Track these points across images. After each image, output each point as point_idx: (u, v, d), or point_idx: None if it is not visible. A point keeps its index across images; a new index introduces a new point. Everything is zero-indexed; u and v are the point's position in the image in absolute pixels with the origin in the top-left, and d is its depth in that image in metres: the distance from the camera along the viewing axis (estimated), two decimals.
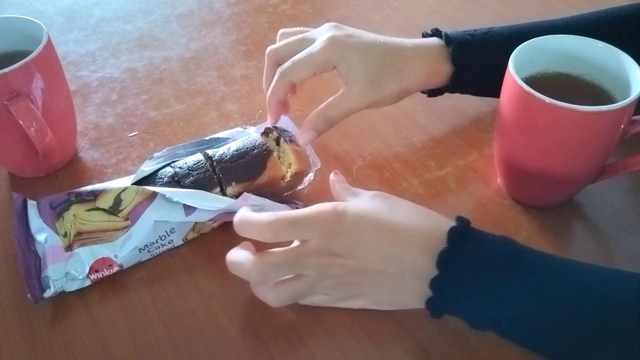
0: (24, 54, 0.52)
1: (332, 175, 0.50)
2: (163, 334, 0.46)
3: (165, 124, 0.65)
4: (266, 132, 0.55)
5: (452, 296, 0.42)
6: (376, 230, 0.43)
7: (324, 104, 0.53)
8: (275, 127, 0.56)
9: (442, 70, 0.56)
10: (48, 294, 0.46)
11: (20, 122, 0.51)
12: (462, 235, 0.42)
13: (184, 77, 0.71)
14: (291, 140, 0.54)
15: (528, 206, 0.54)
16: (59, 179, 0.59)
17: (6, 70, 0.51)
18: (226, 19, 0.82)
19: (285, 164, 0.53)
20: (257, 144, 0.54)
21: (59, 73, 0.57)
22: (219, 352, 0.45)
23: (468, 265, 0.41)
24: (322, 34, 0.54)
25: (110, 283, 0.49)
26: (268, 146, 0.53)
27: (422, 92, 0.60)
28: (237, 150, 0.53)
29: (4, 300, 0.48)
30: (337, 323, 0.46)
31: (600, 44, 0.50)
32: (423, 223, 0.44)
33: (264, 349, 0.45)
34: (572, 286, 0.40)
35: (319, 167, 0.55)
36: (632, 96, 0.45)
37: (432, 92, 0.60)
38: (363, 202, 0.45)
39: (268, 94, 0.55)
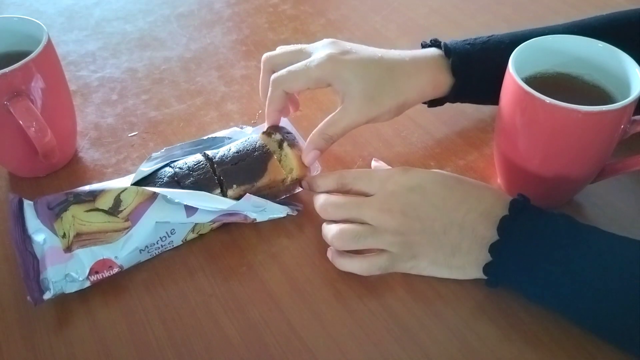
0: (24, 54, 0.52)
1: (373, 162, 0.54)
2: (163, 334, 0.46)
3: (166, 124, 0.65)
4: (268, 133, 0.55)
5: (511, 263, 0.44)
6: (440, 193, 0.47)
7: (323, 122, 0.53)
8: (278, 128, 0.56)
9: (442, 82, 0.56)
10: (47, 296, 0.46)
11: (20, 122, 0.51)
12: (523, 206, 0.45)
13: (184, 77, 0.72)
14: (294, 145, 0.54)
15: None
16: (59, 179, 0.59)
17: (6, 70, 0.51)
18: (226, 19, 0.82)
19: (286, 169, 0.53)
20: (257, 145, 0.53)
21: (59, 73, 0.58)
22: (219, 352, 0.45)
23: (528, 233, 0.43)
24: (320, 49, 0.54)
25: (110, 283, 0.49)
26: (268, 148, 0.53)
27: (423, 102, 0.59)
28: (237, 152, 0.53)
29: (4, 301, 0.48)
30: (337, 323, 0.46)
31: (600, 44, 0.50)
32: (486, 193, 0.47)
33: (264, 349, 0.45)
34: (631, 260, 0.41)
35: (319, 171, 0.55)
36: (632, 96, 0.45)
37: (432, 103, 0.59)
38: (427, 170, 0.49)
39: (267, 105, 0.55)
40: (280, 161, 0.53)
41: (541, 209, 0.45)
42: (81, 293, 0.48)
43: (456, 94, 0.57)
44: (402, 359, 0.44)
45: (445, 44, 0.56)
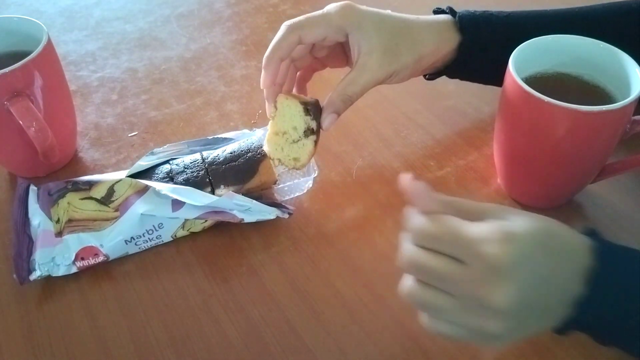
0: (24, 54, 0.52)
1: (409, 184, 0.37)
2: (163, 334, 0.46)
3: (165, 124, 0.65)
4: (306, 108, 0.49)
5: (597, 317, 0.37)
6: (547, 264, 0.36)
7: (340, 82, 0.51)
8: (320, 109, 0.50)
9: (451, 39, 0.55)
10: (34, 276, 0.48)
11: (20, 122, 0.51)
12: (608, 252, 0.37)
13: (184, 77, 0.71)
14: (316, 143, 0.50)
15: (528, 206, 0.54)
16: (59, 178, 0.59)
17: (6, 70, 0.51)
18: (226, 19, 0.82)
19: (292, 154, 0.50)
20: (252, 147, 0.53)
21: (59, 73, 0.58)
22: (219, 352, 0.45)
23: (619, 286, 0.37)
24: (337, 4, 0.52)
25: (110, 283, 0.49)
26: (263, 150, 0.52)
27: (424, 75, 0.59)
28: (231, 153, 0.53)
29: (4, 301, 0.49)
30: (337, 323, 0.46)
31: (601, 44, 0.50)
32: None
33: (264, 349, 0.45)
34: None
35: (317, 174, 0.54)
36: (632, 96, 0.45)
37: (432, 75, 0.59)
38: (530, 232, 0.36)
39: (270, 49, 0.50)
40: (294, 142, 0.50)
41: (626, 248, 0.38)
42: (81, 293, 0.49)
43: (463, 53, 0.56)
44: (402, 359, 0.44)
45: (449, 7, 0.57)
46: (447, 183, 0.57)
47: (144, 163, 0.54)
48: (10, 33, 0.57)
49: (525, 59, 0.50)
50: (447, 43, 0.56)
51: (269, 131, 0.51)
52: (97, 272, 0.50)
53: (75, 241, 0.49)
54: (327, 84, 0.54)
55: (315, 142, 0.50)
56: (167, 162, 0.54)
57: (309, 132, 0.49)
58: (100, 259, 0.49)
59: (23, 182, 0.53)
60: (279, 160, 0.50)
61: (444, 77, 0.60)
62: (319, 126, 0.50)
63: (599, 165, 0.51)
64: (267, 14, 0.83)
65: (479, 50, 0.56)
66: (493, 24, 0.56)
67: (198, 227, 0.52)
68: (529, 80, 0.49)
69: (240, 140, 0.56)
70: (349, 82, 0.50)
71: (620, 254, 0.38)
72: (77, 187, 0.52)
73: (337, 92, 0.50)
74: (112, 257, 0.50)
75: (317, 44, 0.53)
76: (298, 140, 0.50)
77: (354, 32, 0.50)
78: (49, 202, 0.51)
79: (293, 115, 0.49)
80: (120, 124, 0.65)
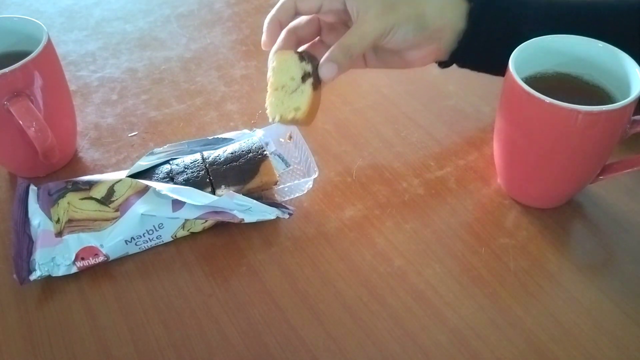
0: (24, 54, 0.52)
1: None
2: (163, 334, 0.46)
3: (165, 124, 0.65)
4: (301, 56, 0.50)
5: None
6: None
7: (341, 37, 0.51)
8: (314, 57, 0.50)
9: (457, 4, 0.55)
10: (34, 276, 0.48)
11: (20, 122, 0.51)
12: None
13: (184, 77, 0.72)
14: (317, 87, 0.50)
15: (528, 206, 0.54)
16: (59, 179, 0.59)
17: (6, 70, 0.51)
18: (226, 19, 0.82)
19: (293, 104, 0.49)
20: (253, 147, 0.54)
21: (59, 73, 0.58)
22: (219, 352, 0.45)
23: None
24: None
25: (110, 283, 0.49)
26: (264, 150, 0.53)
27: (438, 64, 0.59)
28: (232, 153, 0.53)
29: (4, 301, 0.49)
30: (337, 323, 0.46)
31: (600, 44, 0.50)
32: None
33: (263, 349, 0.45)
34: None
35: (316, 174, 0.54)
36: (632, 96, 0.45)
37: (443, 64, 0.58)
38: None
39: (270, 13, 0.52)
40: (293, 92, 0.49)
41: None
42: (81, 292, 0.49)
43: (474, 24, 0.54)
44: (402, 359, 0.44)
45: None
46: (447, 183, 0.57)
47: (144, 163, 0.54)
48: (10, 33, 0.57)
49: (525, 59, 0.50)
50: (453, 8, 0.55)
51: (269, 91, 0.50)
52: (97, 272, 0.50)
53: (75, 241, 0.49)
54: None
55: (314, 86, 0.49)
56: (167, 162, 0.54)
57: (306, 76, 0.49)
58: (100, 259, 0.49)
59: (23, 182, 0.53)
60: (280, 116, 0.49)
61: (443, 76, 0.60)
62: (318, 74, 0.49)
63: (599, 165, 0.51)
64: (267, 14, 0.83)
65: (490, 19, 0.55)
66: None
67: (198, 227, 0.52)
68: (529, 80, 0.49)
69: (240, 140, 0.56)
70: (347, 34, 0.50)
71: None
72: (77, 187, 0.52)
73: (337, 44, 0.50)
74: (112, 257, 0.50)
75: (323, 24, 0.54)
76: (297, 89, 0.49)
77: None
78: (49, 202, 0.51)
79: (289, 66, 0.49)
80: (120, 124, 0.65)
